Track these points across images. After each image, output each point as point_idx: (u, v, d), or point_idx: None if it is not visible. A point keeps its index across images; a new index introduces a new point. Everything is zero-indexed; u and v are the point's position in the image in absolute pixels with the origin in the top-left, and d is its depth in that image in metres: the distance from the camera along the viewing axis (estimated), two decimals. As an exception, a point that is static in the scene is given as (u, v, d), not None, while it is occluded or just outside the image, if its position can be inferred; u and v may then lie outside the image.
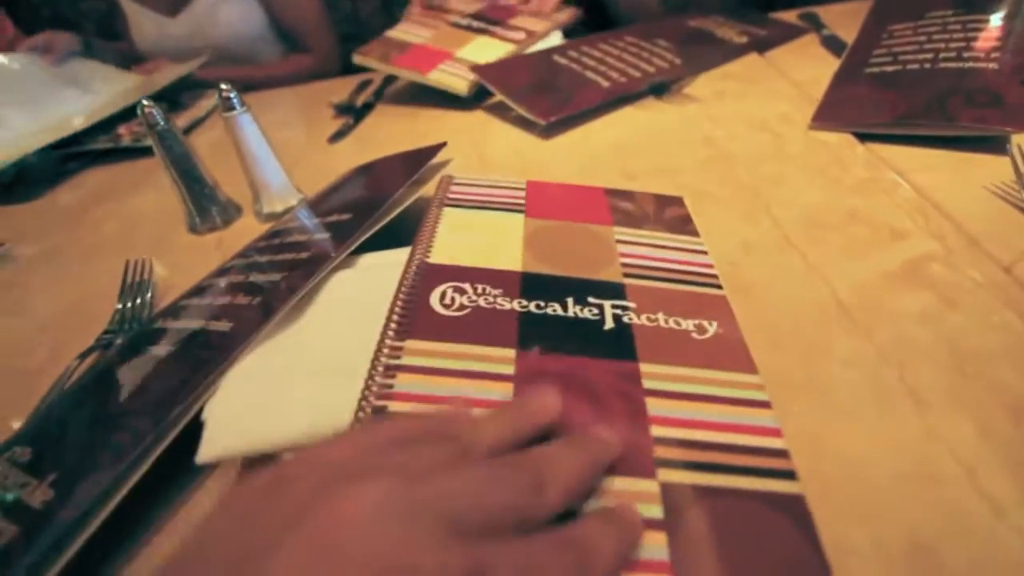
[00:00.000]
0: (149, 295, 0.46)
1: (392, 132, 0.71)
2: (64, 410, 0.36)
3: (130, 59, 1.13)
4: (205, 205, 0.55)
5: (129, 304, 0.45)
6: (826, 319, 0.34)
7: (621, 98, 0.64)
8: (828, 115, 0.55)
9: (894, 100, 0.52)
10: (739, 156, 0.52)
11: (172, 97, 0.94)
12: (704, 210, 0.44)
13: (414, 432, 0.22)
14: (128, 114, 0.86)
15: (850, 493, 0.26)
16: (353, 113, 0.77)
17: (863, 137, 0.52)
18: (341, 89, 0.85)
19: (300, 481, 0.19)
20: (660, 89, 0.65)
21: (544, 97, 0.62)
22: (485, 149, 0.60)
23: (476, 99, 0.70)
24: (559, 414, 0.24)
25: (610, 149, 0.56)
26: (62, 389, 0.38)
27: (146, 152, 0.78)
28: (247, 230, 0.54)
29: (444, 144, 0.51)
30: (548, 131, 0.60)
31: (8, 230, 0.65)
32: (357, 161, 0.62)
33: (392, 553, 0.16)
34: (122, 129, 0.85)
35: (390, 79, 0.85)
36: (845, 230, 0.41)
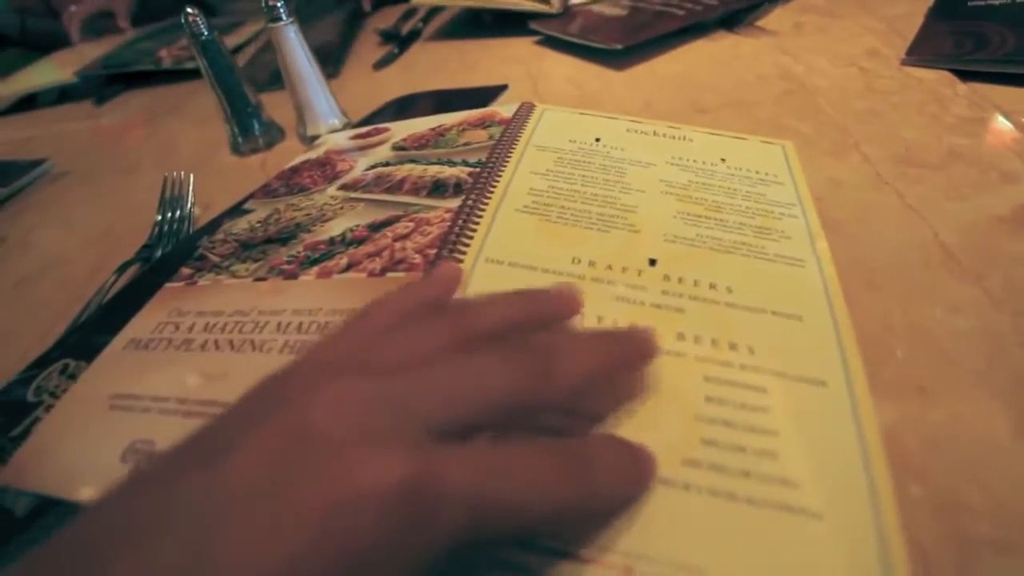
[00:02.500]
0: (189, 208, 0.44)
1: (438, 61, 0.67)
2: (107, 321, 0.35)
3: None
4: (248, 124, 0.53)
5: (168, 216, 0.44)
6: (929, 261, 0.31)
7: (693, 27, 0.58)
8: (924, 49, 0.49)
9: (1002, 35, 0.47)
10: (822, 91, 0.47)
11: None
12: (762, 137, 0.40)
13: (414, 308, 0.21)
14: (171, 37, 0.84)
15: (961, 447, 0.23)
16: (398, 41, 0.73)
17: (963, 75, 0.46)
18: (387, 16, 0.81)
19: (293, 377, 0.18)
20: (732, 21, 0.59)
21: (615, 27, 0.58)
22: (541, 82, 0.56)
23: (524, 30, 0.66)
24: (576, 311, 0.22)
25: (678, 82, 0.52)
26: (102, 300, 0.37)
27: (187, 76, 0.76)
28: (292, 152, 0.52)
29: (506, 87, 0.48)
30: (620, 58, 0.56)
31: (51, 148, 0.64)
32: (402, 88, 0.59)
33: (334, 462, 0.14)
34: (163, 52, 0.83)
35: (436, 8, 0.80)
36: (946, 170, 0.37)
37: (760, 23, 0.59)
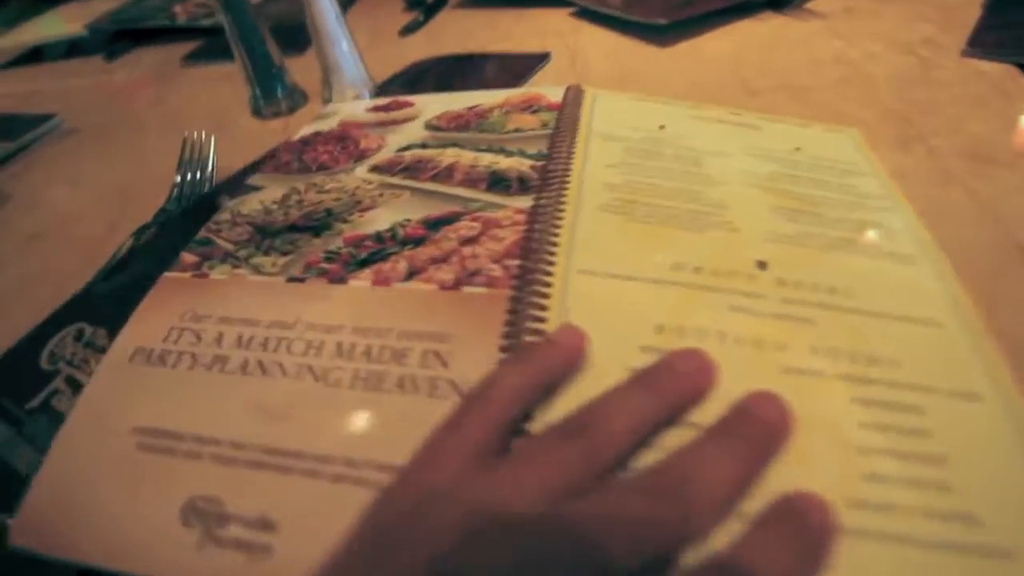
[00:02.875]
0: (209, 170, 0.42)
1: (467, 30, 0.64)
2: (126, 286, 0.32)
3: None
4: (271, 86, 0.50)
5: (188, 177, 0.42)
6: (1006, 262, 0.29)
7: (739, 6, 0.56)
8: (987, 42, 0.47)
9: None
10: (880, 79, 0.45)
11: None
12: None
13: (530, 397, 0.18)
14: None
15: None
16: (424, 7, 0.70)
17: (1027, 70, 0.44)
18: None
19: (418, 519, 0.15)
20: (780, 1, 0.57)
21: (657, 2, 0.55)
22: (579, 57, 0.54)
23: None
24: (712, 383, 0.19)
25: (725, 62, 0.49)
26: (120, 262, 0.35)
27: (201, 34, 0.73)
28: (312, 117, 0.49)
29: (548, 57, 0.45)
30: (663, 34, 0.53)
31: (61, 104, 0.62)
32: (429, 56, 0.56)
33: None
34: (177, 8, 0.80)
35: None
36: (1021, 168, 0.35)
37: (809, 5, 0.56)
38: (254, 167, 0.39)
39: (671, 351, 0.19)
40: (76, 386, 0.27)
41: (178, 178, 0.42)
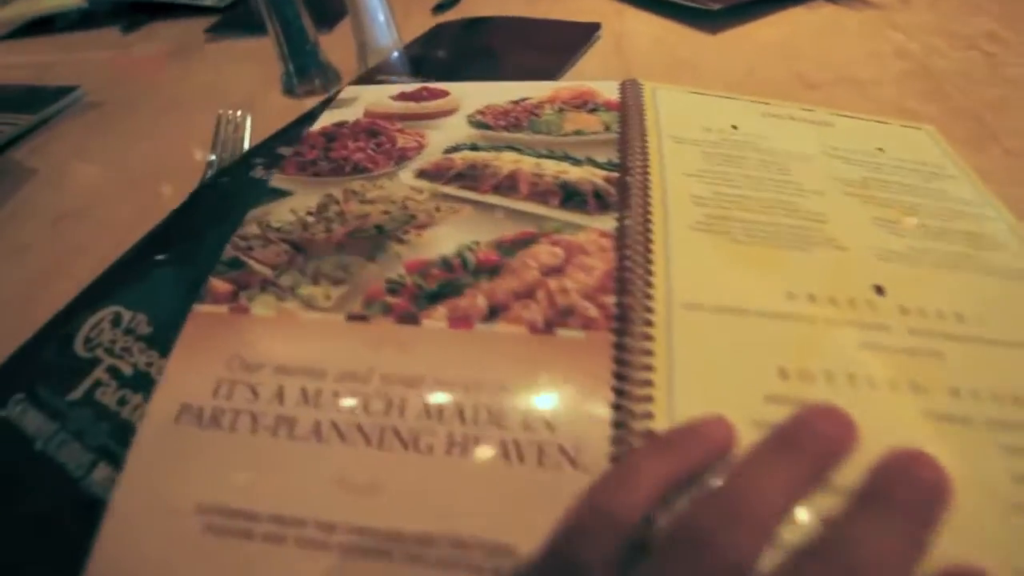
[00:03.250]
0: (245, 149, 0.40)
1: (503, 10, 0.62)
2: (164, 267, 0.31)
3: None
4: (305, 64, 0.48)
5: (223, 157, 0.40)
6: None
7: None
8: (1053, 38, 0.45)
9: None
10: (945, 74, 0.43)
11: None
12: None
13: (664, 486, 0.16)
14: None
15: None
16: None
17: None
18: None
19: None
20: (834, -10, 0.54)
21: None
22: (625, 42, 0.51)
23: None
24: (856, 442, 0.16)
25: (779, 52, 0.47)
26: (147, 236, 0.33)
27: (220, 10, 0.71)
28: (350, 99, 0.47)
29: (598, 29, 0.43)
30: (714, 20, 0.51)
31: (80, 76, 0.59)
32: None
33: None
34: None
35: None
36: (1104, 173, 0.33)
37: (863, -6, 0.54)
38: (284, 134, 0.37)
39: (806, 406, 0.17)
40: (120, 377, 0.26)
41: (212, 157, 0.40)
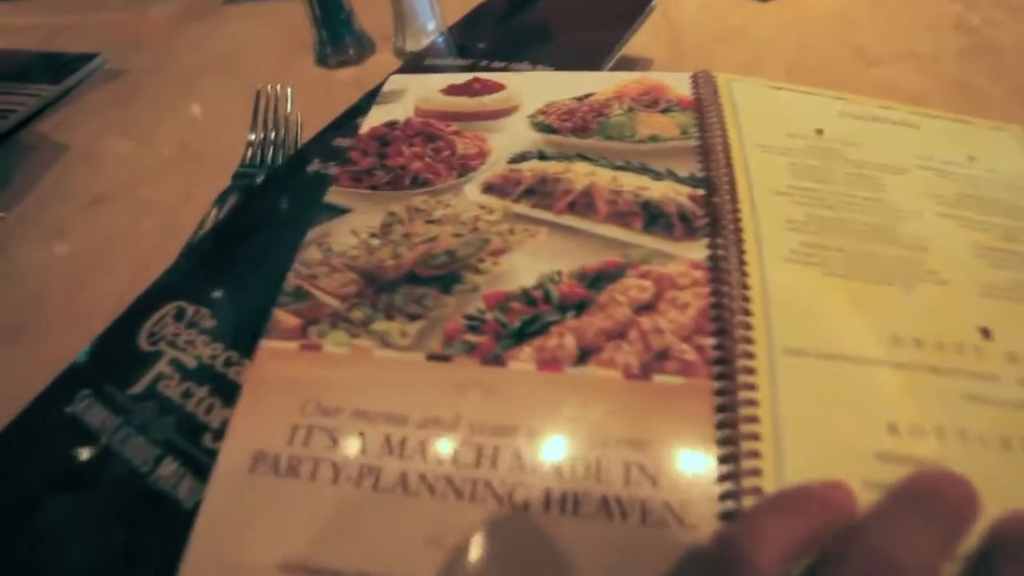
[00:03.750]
0: (290, 130, 0.39)
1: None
2: (227, 263, 0.30)
3: None
4: (340, 32, 0.46)
5: (264, 137, 0.39)
6: None
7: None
8: (1122, 10, 0.43)
9: None
10: (1007, 49, 0.41)
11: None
12: (974, 110, 0.35)
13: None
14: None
15: None
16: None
17: None
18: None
19: None
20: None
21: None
22: (671, 8, 0.49)
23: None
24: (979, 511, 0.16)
25: (834, 21, 0.46)
26: (208, 233, 0.33)
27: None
28: (386, 68, 0.46)
29: (654, 2, 0.41)
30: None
31: (98, 41, 0.57)
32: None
33: None
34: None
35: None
36: None
37: (918, -42, 0.52)
38: (337, 127, 0.36)
39: (927, 470, 0.17)
40: (183, 370, 0.25)
41: (252, 136, 0.39)
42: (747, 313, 0.20)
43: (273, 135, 0.39)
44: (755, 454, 0.17)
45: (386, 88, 0.35)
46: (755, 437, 0.18)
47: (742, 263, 0.22)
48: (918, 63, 0.41)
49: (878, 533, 0.15)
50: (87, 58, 0.52)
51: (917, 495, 0.16)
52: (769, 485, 0.17)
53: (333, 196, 0.29)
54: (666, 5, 0.49)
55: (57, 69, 0.51)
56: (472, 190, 0.29)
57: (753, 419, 0.18)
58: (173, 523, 0.19)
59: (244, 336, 0.25)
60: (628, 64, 0.42)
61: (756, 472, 0.17)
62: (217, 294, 0.28)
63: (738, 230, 0.23)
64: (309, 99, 0.43)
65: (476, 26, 0.45)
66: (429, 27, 0.45)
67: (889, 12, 0.46)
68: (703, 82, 0.32)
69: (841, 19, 0.46)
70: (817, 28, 0.45)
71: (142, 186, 0.39)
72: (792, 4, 0.48)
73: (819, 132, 0.29)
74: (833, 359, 0.19)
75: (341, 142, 0.34)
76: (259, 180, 0.36)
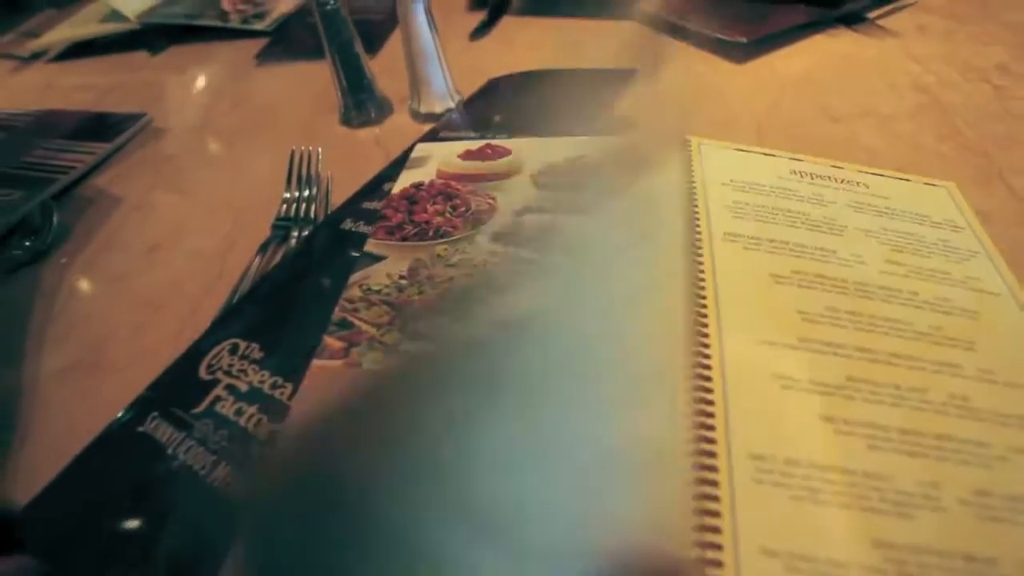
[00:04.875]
0: (325, 188, 0.45)
1: (536, 37, 0.65)
2: (272, 307, 0.35)
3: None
4: (362, 98, 0.52)
5: (298, 194, 0.44)
6: (1092, 311, 0.31)
7: (811, 22, 0.57)
8: (1060, 70, 0.48)
9: None
10: (957, 109, 0.46)
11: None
12: (925, 168, 0.40)
13: None
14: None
15: None
16: (488, 6, 0.71)
17: (1101, 101, 0.46)
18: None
19: None
20: (852, 17, 0.58)
21: (732, 16, 0.56)
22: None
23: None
24: None
25: (803, 83, 0.51)
26: (256, 280, 0.38)
27: (269, 33, 0.74)
28: (403, 128, 0.52)
29: (636, 73, 0.46)
30: (746, 52, 0.55)
31: (142, 102, 0.64)
32: (504, 65, 0.58)
33: None
34: (226, 5, 0.80)
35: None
36: (1100, 210, 0.37)
37: (881, 22, 0.57)
38: (366, 191, 0.41)
39: None
40: (236, 393, 0.30)
41: (287, 195, 0.44)
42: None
43: (306, 192, 0.44)
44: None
45: (414, 155, 0.41)
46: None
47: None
48: (876, 121, 0.46)
49: None
50: (135, 118, 0.59)
51: None
52: None
53: (371, 246, 0.36)
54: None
55: (107, 128, 0.58)
56: (484, 240, 0.34)
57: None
58: (224, 516, 0.24)
59: (288, 364, 0.30)
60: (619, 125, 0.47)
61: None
62: (266, 331, 0.33)
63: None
64: (335, 155, 0.49)
65: (486, 100, 0.51)
66: (442, 92, 0.51)
67: (853, 73, 0.52)
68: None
69: (808, 80, 0.51)
70: (787, 88, 0.50)
71: (191, 235, 0.45)
72: (763, 66, 0.54)
73: (772, 187, 0.34)
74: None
75: (369, 204, 0.39)
76: (295, 233, 0.41)
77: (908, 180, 0.37)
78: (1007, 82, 0.49)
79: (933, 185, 0.36)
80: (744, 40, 0.53)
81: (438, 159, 0.41)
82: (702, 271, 0.29)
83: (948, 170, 0.41)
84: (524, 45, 0.64)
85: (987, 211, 0.37)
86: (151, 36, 0.79)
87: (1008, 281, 0.30)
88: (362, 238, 0.36)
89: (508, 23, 0.69)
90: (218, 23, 0.77)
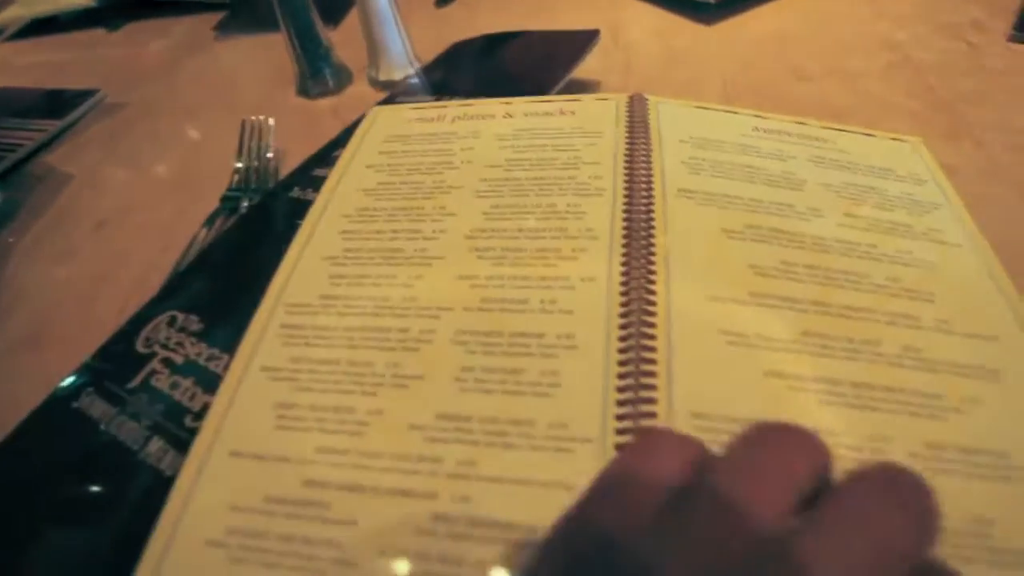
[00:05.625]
0: (271, 156, 0.43)
1: (503, 2, 0.64)
2: (214, 278, 0.34)
3: None
4: (319, 66, 0.50)
5: (249, 164, 0.43)
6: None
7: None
8: (1035, 25, 0.47)
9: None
10: (929, 66, 0.45)
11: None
12: (893, 124, 0.39)
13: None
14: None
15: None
16: (457, -25, 0.69)
17: (1075, 56, 0.44)
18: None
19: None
20: (825, -25, 0.56)
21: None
22: (622, 34, 0.53)
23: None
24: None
25: (773, 42, 0.50)
26: (199, 252, 0.37)
27: (211, 7, 0.72)
28: (363, 97, 0.50)
29: (597, 36, 0.45)
30: (711, 11, 0.53)
31: (96, 78, 0.61)
32: (469, 30, 0.56)
33: None
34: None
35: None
36: (1068, 162, 0.36)
37: (854, -21, 0.56)
38: (320, 159, 0.40)
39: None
40: (172, 366, 0.29)
41: (238, 164, 0.43)
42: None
43: (256, 162, 0.42)
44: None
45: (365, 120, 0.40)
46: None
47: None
48: (845, 80, 0.45)
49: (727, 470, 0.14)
50: (88, 94, 0.56)
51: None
52: None
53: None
54: (616, 33, 0.53)
55: (60, 105, 0.56)
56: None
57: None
58: (157, 490, 0.23)
59: (226, 335, 0.29)
60: (580, 87, 0.46)
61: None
62: (206, 303, 0.32)
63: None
64: (292, 126, 0.47)
65: (447, 65, 0.50)
66: (401, 59, 0.49)
67: (823, 32, 0.50)
68: (636, 103, 0.36)
69: (779, 39, 0.50)
70: (757, 48, 0.49)
71: (140, 210, 0.43)
72: (734, 27, 0.52)
73: (732, 144, 0.33)
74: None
75: (319, 172, 0.38)
76: (244, 203, 0.40)
77: (873, 136, 0.35)
78: (982, 39, 0.48)
79: (899, 140, 0.35)
80: (712, 1, 0.51)
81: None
82: (653, 227, 0.28)
83: (917, 126, 0.40)
84: (491, 9, 0.62)
85: (954, 165, 0.36)
86: (109, 13, 0.76)
87: (970, 232, 0.30)
88: (309, 206, 0.35)
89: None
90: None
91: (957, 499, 0.19)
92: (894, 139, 0.35)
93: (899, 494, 0.14)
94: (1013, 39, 0.47)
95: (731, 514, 0.13)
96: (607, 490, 0.15)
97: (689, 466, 0.15)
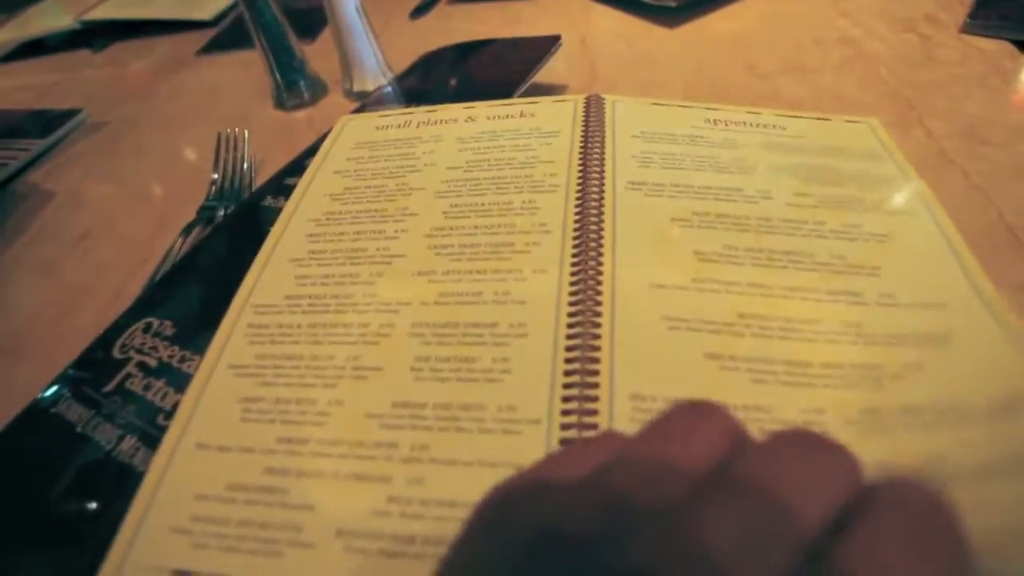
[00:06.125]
0: (246, 167, 0.44)
1: (478, 12, 0.65)
2: (189, 285, 0.35)
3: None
4: (293, 79, 0.52)
5: (225, 174, 0.44)
6: (995, 244, 0.32)
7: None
8: (985, 18, 0.49)
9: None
10: (882, 59, 0.47)
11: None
12: (846, 114, 0.40)
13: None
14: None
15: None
16: (431, -14, 0.71)
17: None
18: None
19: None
20: (784, -24, 0.58)
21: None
22: (589, 39, 0.55)
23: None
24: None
25: (732, 43, 0.51)
26: (176, 261, 0.38)
27: (213, 24, 0.74)
28: (338, 108, 0.51)
29: (559, 41, 0.46)
30: (674, 14, 0.55)
31: (80, 97, 0.63)
32: (444, 40, 0.57)
33: None
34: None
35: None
36: (1012, 148, 0.37)
37: (813, -20, 0.57)
38: (292, 168, 0.41)
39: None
40: (146, 369, 0.30)
41: (215, 175, 0.44)
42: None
43: (232, 173, 0.44)
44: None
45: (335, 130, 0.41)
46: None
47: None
48: (801, 75, 0.46)
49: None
50: (72, 113, 0.58)
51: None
52: None
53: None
54: (584, 39, 0.55)
55: (45, 124, 0.57)
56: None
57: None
58: (130, 485, 0.24)
59: (197, 337, 0.30)
60: (548, 91, 0.47)
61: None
62: (180, 309, 0.33)
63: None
64: (267, 138, 0.49)
65: (419, 75, 0.51)
66: (374, 70, 0.51)
67: (782, 31, 0.52)
68: (593, 103, 0.37)
69: (738, 40, 0.51)
70: (716, 48, 0.51)
71: (121, 223, 0.44)
72: (696, 29, 0.54)
73: (684, 136, 0.34)
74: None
75: (291, 181, 0.39)
76: (220, 213, 0.41)
77: (829, 119, 0.37)
78: (933, 31, 0.49)
79: (855, 122, 0.37)
80: (673, 4, 0.53)
81: None
82: (603, 220, 0.29)
83: (868, 116, 0.41)
84: (465, 20, 0.64)
85: (905, 153, 0.38)
86: (94, 34, 0.78)
87: (926, 201, 0.31)
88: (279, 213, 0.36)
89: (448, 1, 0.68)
90: (164, 17, 0.76)
91: (897, 455, 0.21)
92: (850, 121, 0.37)
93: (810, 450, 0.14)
94: (964, 30, 0.48)
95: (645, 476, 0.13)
96: (539, 465, 0.15)
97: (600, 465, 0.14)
